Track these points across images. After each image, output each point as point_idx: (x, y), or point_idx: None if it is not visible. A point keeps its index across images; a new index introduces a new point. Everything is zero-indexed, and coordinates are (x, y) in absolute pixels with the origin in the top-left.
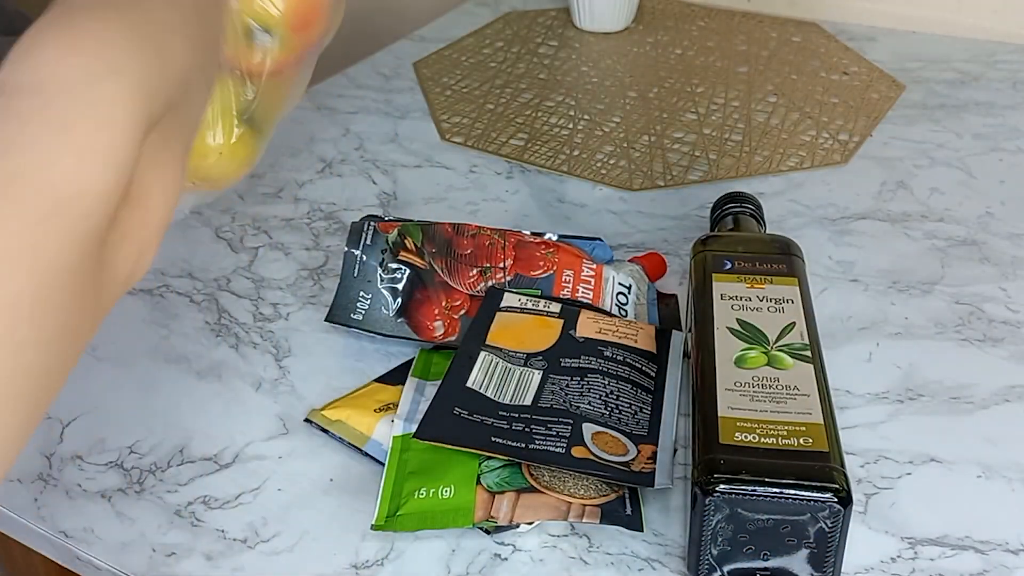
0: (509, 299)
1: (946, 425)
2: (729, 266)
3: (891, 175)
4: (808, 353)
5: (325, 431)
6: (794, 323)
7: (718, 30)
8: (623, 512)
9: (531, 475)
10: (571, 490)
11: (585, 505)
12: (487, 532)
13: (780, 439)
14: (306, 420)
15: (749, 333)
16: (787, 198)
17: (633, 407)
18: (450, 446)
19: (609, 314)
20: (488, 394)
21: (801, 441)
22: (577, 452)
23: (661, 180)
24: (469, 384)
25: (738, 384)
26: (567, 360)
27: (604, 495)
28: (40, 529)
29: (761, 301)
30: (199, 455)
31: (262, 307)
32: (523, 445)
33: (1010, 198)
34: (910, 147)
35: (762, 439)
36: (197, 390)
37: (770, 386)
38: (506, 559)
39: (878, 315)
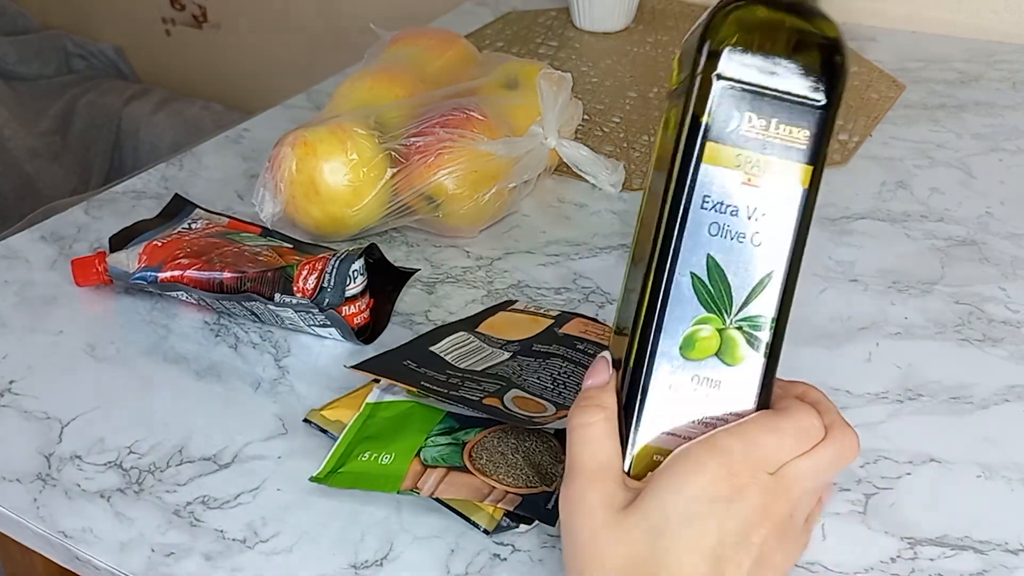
0: (518, 305)
1: (946, 425)
2: (737, 124)
3: (891, 175)
4: (766, 334)
5: (324, 431)
6: (772, 272)
7: None
8: (543, 506)
9: (469, 457)
10: (502, 478)
11: (508, 492)
12: (486, 533)
13: None
14: (305, 420)
15: (714, 288)
16: None
17: (579, 387)
18: (372, 374)
19: (601, 323)
20: (447, 359)
21: None
22: (488, 401)
23: None
24: (432, 349)
25: (673, 389)
26: (539, 346)
27: (532, 487)
28: (39, 529)
29: (750, 216)
30: (198, 455)
31: None
32: (445, 391)
33: (1010, 198)
34: (910, 147)
35: None
36: (196, 390)
37: (707, 395)
38: (505, 559)
39: (878, 315)
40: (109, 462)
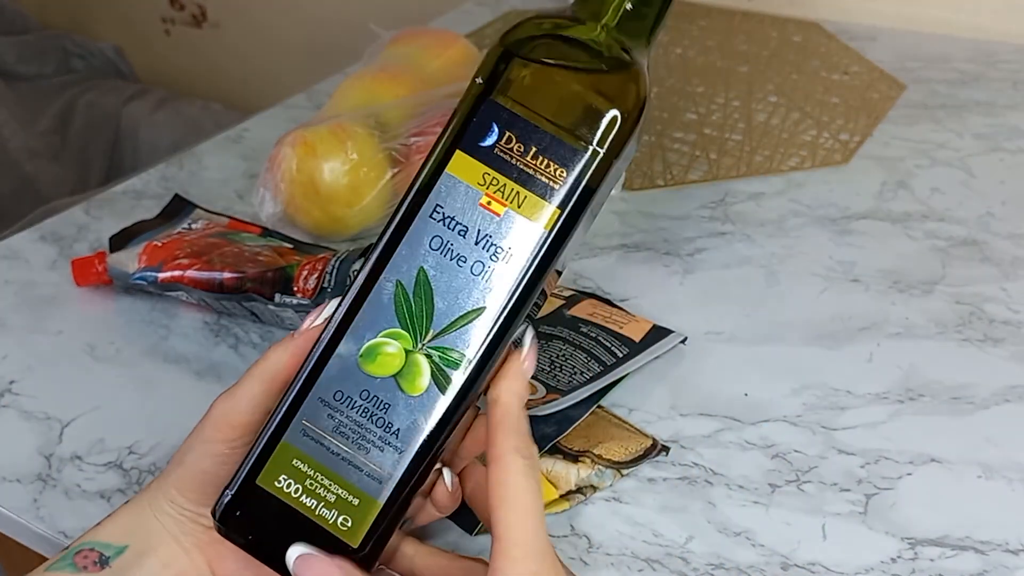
0: None
1: (946, 425)
2: (494, 140)
3: (892, 175)
4: (459, 375)
5: None
6: (484, 309)
7: (718, 30)
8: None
9: None
10: None
11: None
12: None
13: (321, 506)
14: None
15: (416, 304)
16: (788, 198)
17: (576, 370)
18: None
19: (614, 305)
20: None
21: (340, 521)
22: None
23: (661, 180)
24: None
25: (339, 397)
26: (545, 327)
27: None
28: (40, 529)
29: (478, 241)
30: None
31: None
32: None
33: (1011, 198)
34: (911, 147)
35: (304, 497)
36: (197, 390)
37: (371, 415)
38: None
39: (879, 315)
40: (109, 462)
